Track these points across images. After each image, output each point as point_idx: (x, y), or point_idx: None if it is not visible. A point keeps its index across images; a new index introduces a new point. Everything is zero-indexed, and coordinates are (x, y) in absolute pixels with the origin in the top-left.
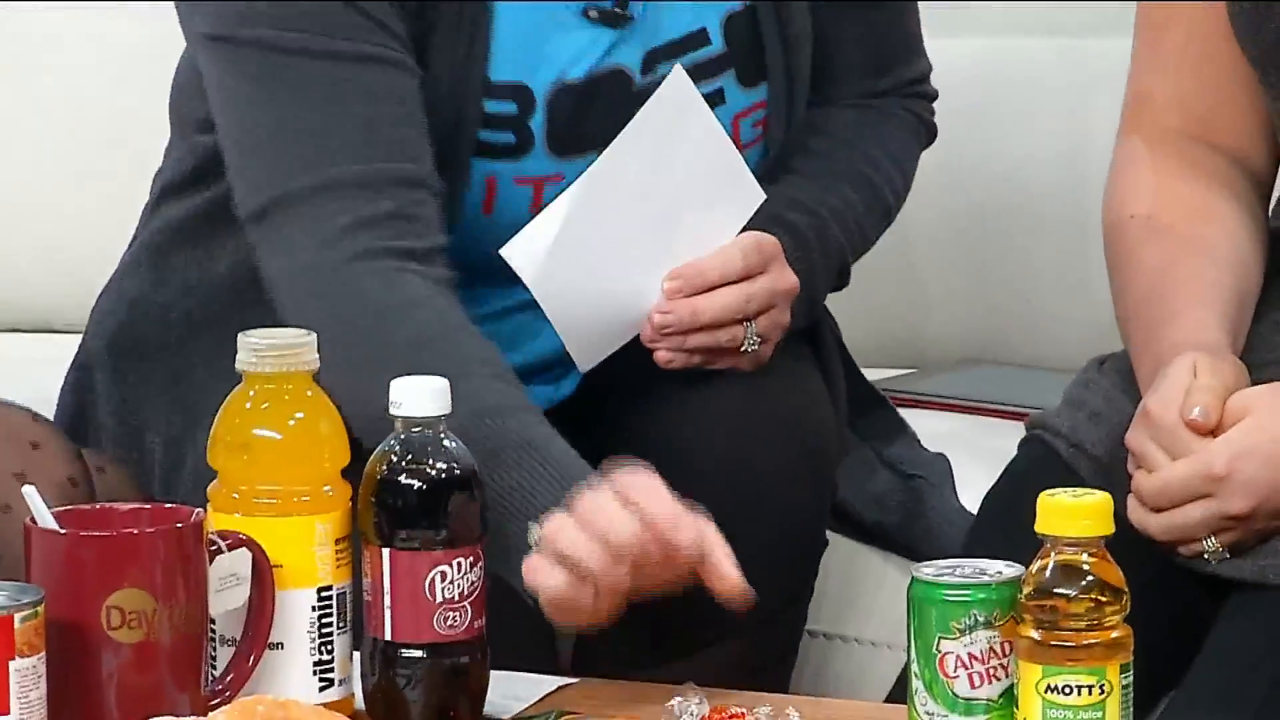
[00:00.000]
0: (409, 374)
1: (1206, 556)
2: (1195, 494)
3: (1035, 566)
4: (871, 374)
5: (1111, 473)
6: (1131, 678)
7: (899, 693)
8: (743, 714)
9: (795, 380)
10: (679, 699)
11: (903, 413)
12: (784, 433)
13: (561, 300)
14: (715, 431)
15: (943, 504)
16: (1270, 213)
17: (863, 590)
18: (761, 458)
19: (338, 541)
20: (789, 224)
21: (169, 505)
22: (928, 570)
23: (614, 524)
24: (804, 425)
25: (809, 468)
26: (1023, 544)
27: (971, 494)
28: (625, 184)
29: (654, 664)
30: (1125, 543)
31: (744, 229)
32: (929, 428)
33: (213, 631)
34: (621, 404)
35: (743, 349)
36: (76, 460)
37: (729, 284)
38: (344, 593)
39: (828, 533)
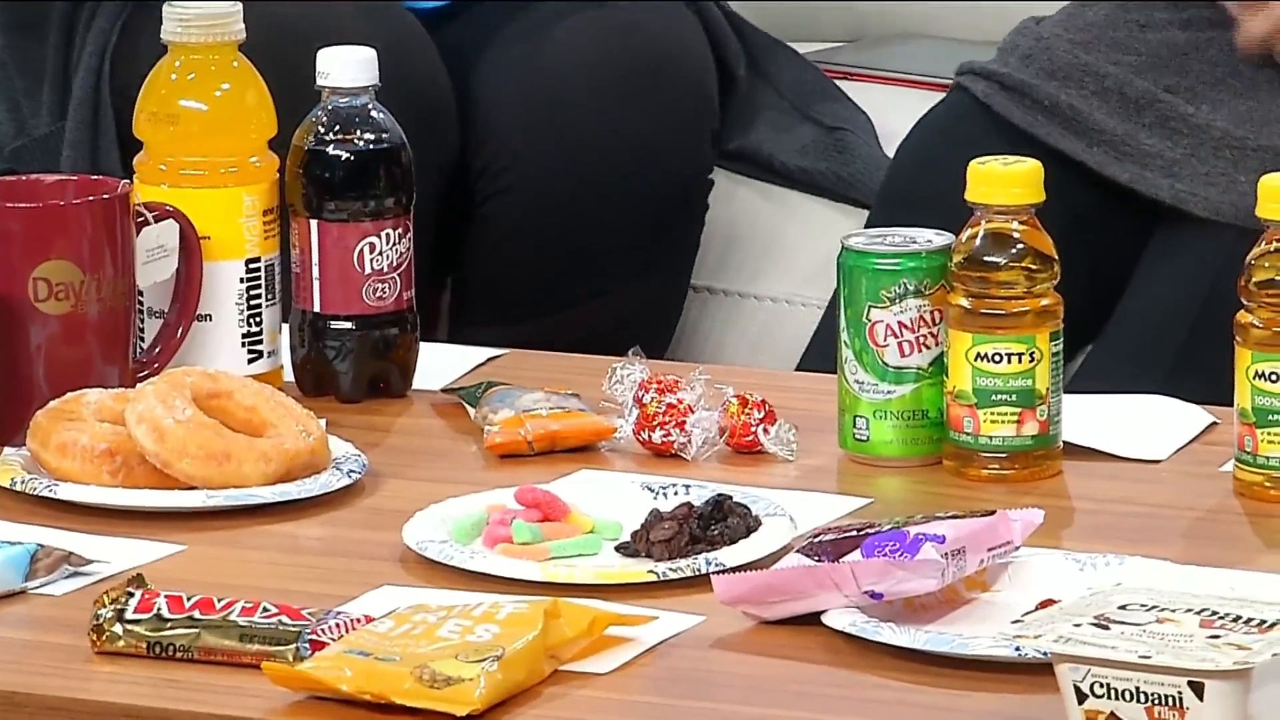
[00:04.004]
0: None
1: None
2: None
3: (965, 235)
4: (808, 46)
5: (1041, 109)
6: (1061, 345)
7: (812, 359)
8: (677, 381)
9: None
10: (621, 364)
11: (840, 85)
12: (645, 53)
13: None
14: (579, 61)
15: (870, 152)
16: None
17: (792, 244)
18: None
19: (265, 213)
20: None
21: (95, 177)
22: (858, 239)
23: None
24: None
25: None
26: (942, 202)
27: None
28: None
29: (536, 315)
30: (1054, 187)
31: None
32: (866, 100)
33: (141, 304)
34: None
35: None
36: None
37: None
38: (272, 264)
39: (755, 183)
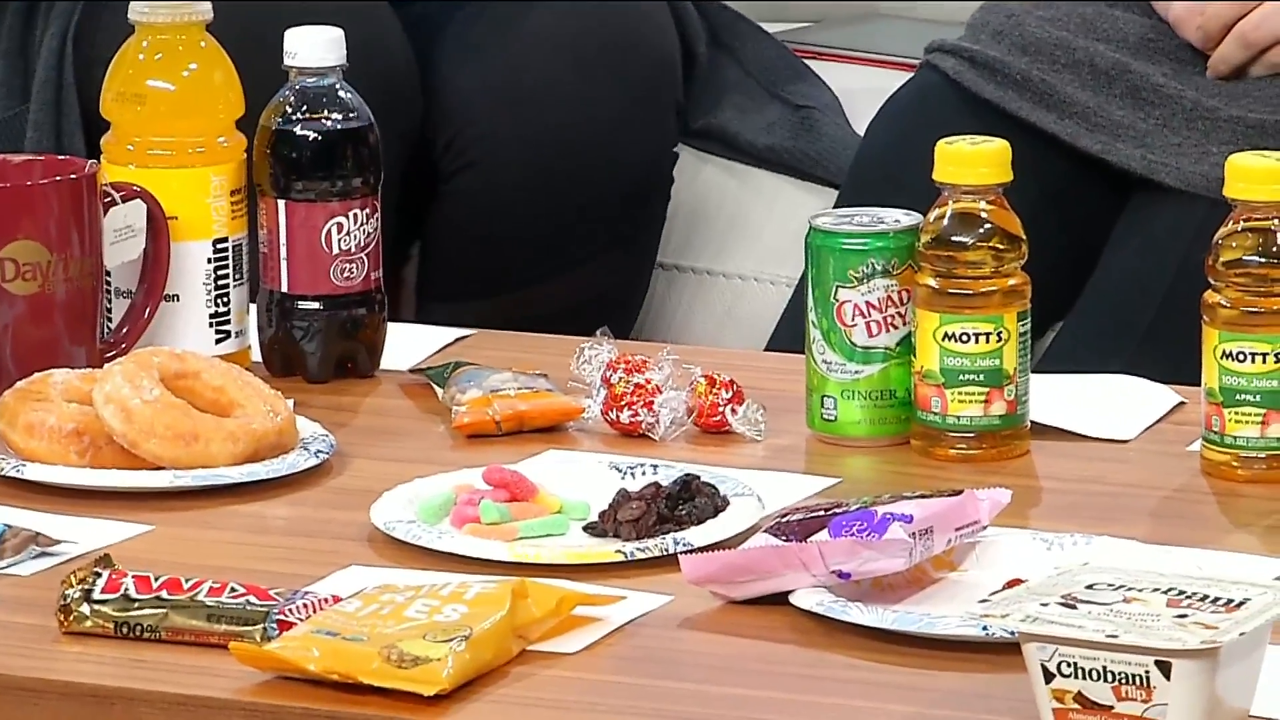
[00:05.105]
0: None
1: None
2: None
3: (933, 215)
4: (774, 27)
5: (1012, 84)
6: (1029, 325)
7: (781, 339)
8: (644, 361)
9: None
10: (589, 344)
11: (807, 64)
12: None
13: None
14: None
15: (837, 131)
16: None
17: (758, 222)
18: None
19: (233, 193)
20: None
21: (62, 157)
22: (825, 219)
23: None
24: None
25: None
26: (913, 180)
27: None
28: None
29: (503, 291)
30: (1026, 161)
31: None
32: (833, 79)
33: (108, 284)
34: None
35: None
36: None
37: None
38: (240, 245)
39: (721, 162)
